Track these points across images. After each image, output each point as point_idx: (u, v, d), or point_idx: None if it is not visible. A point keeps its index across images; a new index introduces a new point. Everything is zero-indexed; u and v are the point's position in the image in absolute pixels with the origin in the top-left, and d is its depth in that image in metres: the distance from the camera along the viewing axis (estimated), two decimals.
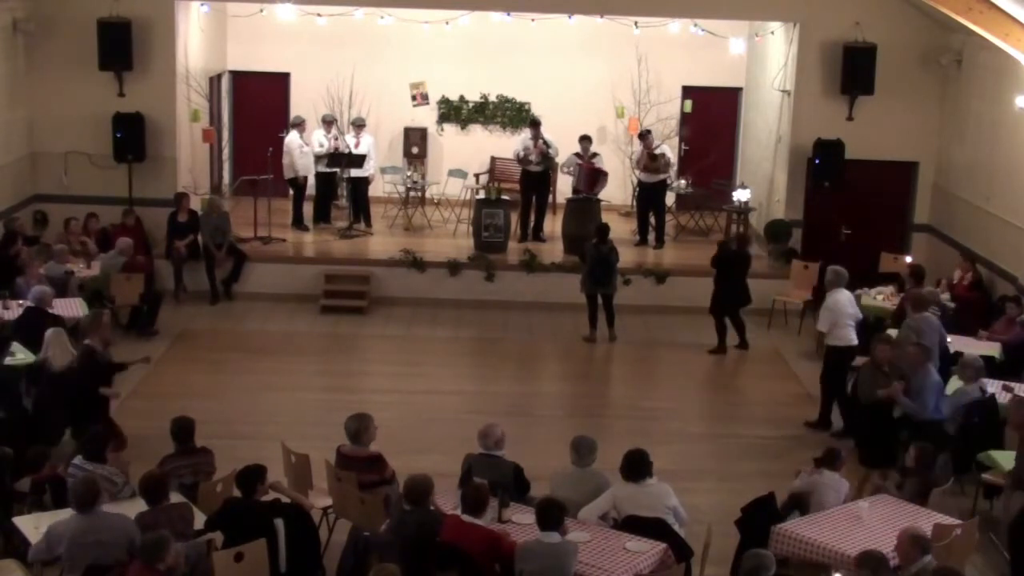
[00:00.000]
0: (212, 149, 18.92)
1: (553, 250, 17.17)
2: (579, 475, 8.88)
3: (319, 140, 17.66)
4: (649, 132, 17.76)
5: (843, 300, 12.43)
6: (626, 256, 16.11)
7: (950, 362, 11.82)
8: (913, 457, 9.41)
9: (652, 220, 17.79)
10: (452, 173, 19.41)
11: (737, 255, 14.82)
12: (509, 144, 18.80)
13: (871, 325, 13.91)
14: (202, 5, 17.65)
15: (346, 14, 18.28)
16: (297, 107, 19.40)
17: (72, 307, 13.11)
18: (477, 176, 19.53)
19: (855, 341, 12.26)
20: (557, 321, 15.78)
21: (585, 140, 17.48)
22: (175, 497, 8.38)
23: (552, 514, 7.80)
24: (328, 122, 17.81)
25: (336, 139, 17.68)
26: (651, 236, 17.76)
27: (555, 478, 8.97)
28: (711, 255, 14.88)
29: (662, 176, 17.51)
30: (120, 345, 14.23)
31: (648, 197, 17.73)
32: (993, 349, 12.53)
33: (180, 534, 7.86)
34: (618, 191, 18.96)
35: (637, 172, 18.01)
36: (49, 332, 11.18)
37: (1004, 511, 9.62)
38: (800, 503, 9.04)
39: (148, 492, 8.12)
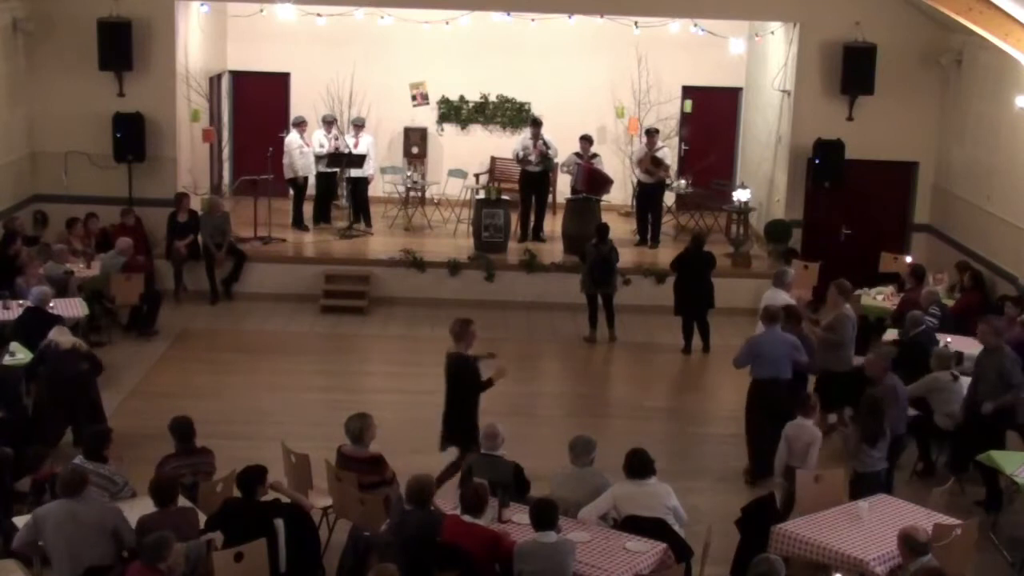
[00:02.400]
0: (212, 149, 18.92)
1: (553, 250, 17.17)
2: (578, 475, 8.88)
3: (319, 140, 17.66)
4: (656, 131, 17.71)
5: (766, 297, 12.60)
6: (626, 256, 16.11)
7: None
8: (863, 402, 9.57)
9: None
10: (452, 173, 19.41)
11: (696, 255, 14.67)
12: (509, 144, 18.79)
13: (871, 325, 13.91)
14: (202, 5, 17.65)
15: (346, 14, 18.27)
16: (297, 107, 19.41)
17: (72, 307, 13.11)
18: (477, 176, 19.52)
19: None
20: (557, 321, 15.78)
21: (585, 140, 17.47)
22: (180, 501, 8.36)
23: (547, 514, 7.80)
24: (328, 122, 17.81)
25: (336, 139, 17.69)
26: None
27: (555, 478, 8.97)
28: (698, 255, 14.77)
29: (660, 175, 17.51)
30: (120, 345, 14.31)
31: (647, 197, 17.73)
32: None
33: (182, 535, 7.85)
34: (618, 191, 18.94)
35: (636, 172, 17.99)
36: (54, 331, 11.17)
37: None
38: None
39: (158, 494, 8.10)
